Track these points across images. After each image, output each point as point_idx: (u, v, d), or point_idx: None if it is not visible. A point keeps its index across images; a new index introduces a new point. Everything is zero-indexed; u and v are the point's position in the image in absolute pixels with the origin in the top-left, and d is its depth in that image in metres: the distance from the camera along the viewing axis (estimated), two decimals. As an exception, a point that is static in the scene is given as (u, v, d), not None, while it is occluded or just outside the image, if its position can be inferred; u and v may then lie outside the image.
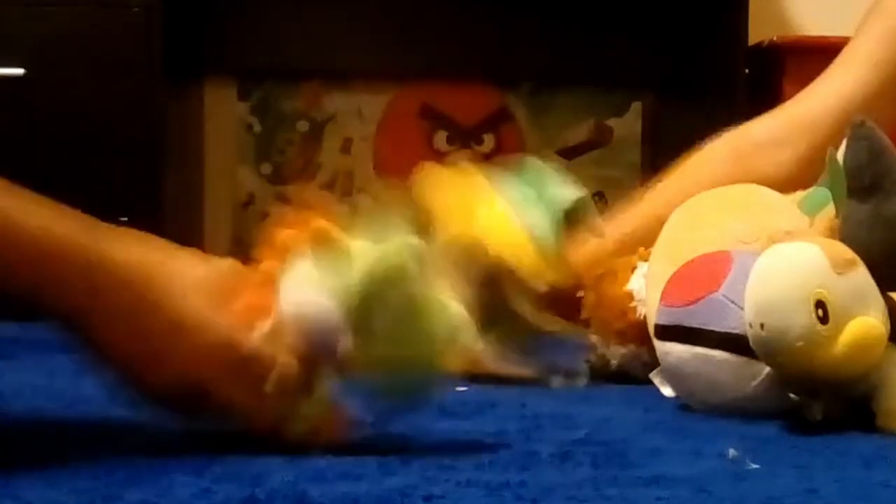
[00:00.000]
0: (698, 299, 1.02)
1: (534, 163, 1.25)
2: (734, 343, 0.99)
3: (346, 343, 0.79)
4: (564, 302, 1.28)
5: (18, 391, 1.12)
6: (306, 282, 0.81)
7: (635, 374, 1.27)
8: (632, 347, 1.27)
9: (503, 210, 1.20)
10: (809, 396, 0.95)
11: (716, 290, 1.01)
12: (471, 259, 1.14)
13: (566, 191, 1.22)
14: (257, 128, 2.54)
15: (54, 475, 0.76)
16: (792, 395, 0.96)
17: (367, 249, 0.81)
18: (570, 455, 0.84)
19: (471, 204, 1.21)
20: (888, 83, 1.35)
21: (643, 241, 1.31)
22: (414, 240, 0.81)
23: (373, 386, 0.83)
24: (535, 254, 1.19)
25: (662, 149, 2.52)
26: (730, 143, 1.43)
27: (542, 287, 1.20)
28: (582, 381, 1.25)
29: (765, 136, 1.41)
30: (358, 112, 2.56)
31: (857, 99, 1.36)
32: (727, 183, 1.35)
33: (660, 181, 1.45)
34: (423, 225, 1.14)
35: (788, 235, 1.07)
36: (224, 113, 2.56)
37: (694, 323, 1.02)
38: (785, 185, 1.36)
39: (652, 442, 0.90)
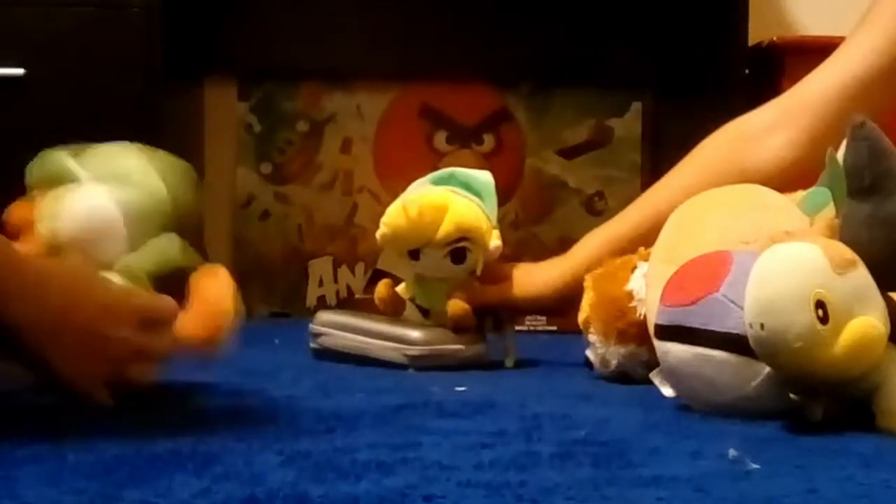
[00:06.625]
0: (698, 299, 1.02)
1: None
2: (734, 343, 0.99)
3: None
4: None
5: (19, 391, 1.12)
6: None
7: (635, 374, 1.27)
8: (632, 347, 1.28)
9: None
10: (809, 396, 0.95)
11: (716, 290, 1.01)
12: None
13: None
14: (257, 128, 2.54)
15: (54, 475, 0.76)
16: (792, 395, 0.96)
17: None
18: (570, 455, 0.84)
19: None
20: (887, 70, 1.35)
21: (645, 236, 1.35)
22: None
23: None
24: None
25: (662, 149, 2.52)
26: (727, 132, 1.44)
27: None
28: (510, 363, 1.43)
29: (762, 122, 1.42)
30: (358, 112, 2.56)
31: (856, 84, 1.36)
32: (725, 172, 1.37)
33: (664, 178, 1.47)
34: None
35: (788, 235, 1.07)
36: (224, 113, 2.55)
37: (694, 323, 1.02)
38: (784, 170, 1.37)
39: (652, 442, 0.90)
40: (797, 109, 1.39)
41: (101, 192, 1.12)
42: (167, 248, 1.14)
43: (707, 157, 1.44)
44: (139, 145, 1.18)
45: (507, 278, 1.46)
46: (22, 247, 1.10)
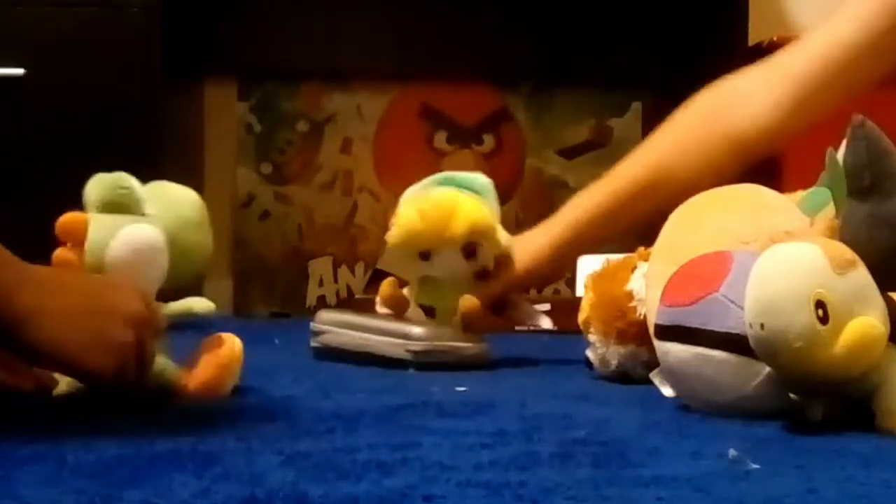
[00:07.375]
0: (698, 299, 1.02)
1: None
2: (734, 343, 0.99)
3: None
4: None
5: (18, 391, 1.12)
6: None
7: (635, 374, 1.27)
8: (632, 347, 1.28)
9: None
10: (809, 396, 0.95)
11: (716, 290, 1.01)
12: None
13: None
14: (257, 128, 2.54)
15: (54, 475, 0.76)
16: (792, 395, 0.96)
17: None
18: (570, 455, 0.84)
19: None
20: (873, 39, 1.35)
21: (626, 200, 1.43)
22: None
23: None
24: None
25: (662, 149, 2.51)
26: (710, 96, 1.44)
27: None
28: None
29: (744, 87, 1.42)
30: (358, 112, 2.56)
31: (843, 51, 1.35)
32: (705, 136, 1.39)
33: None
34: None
35: (788, 235, 1.07)
36: (224, 113, 2.56)
37: (694, 323, 1.01)
38: (762, 135, 1.37)
39: (652, 442, 0.90)
40: (781, 76, 1.39)
41: (156, 232, 1.12)
42: (195, 308, 1.16)
43: (687, 122, 1.44)
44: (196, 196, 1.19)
45: (507, 263, 1.47)
46: (63, 257, 1.10)
